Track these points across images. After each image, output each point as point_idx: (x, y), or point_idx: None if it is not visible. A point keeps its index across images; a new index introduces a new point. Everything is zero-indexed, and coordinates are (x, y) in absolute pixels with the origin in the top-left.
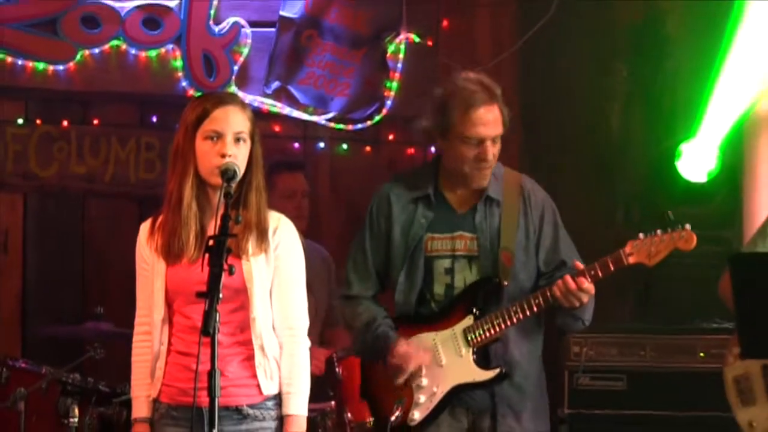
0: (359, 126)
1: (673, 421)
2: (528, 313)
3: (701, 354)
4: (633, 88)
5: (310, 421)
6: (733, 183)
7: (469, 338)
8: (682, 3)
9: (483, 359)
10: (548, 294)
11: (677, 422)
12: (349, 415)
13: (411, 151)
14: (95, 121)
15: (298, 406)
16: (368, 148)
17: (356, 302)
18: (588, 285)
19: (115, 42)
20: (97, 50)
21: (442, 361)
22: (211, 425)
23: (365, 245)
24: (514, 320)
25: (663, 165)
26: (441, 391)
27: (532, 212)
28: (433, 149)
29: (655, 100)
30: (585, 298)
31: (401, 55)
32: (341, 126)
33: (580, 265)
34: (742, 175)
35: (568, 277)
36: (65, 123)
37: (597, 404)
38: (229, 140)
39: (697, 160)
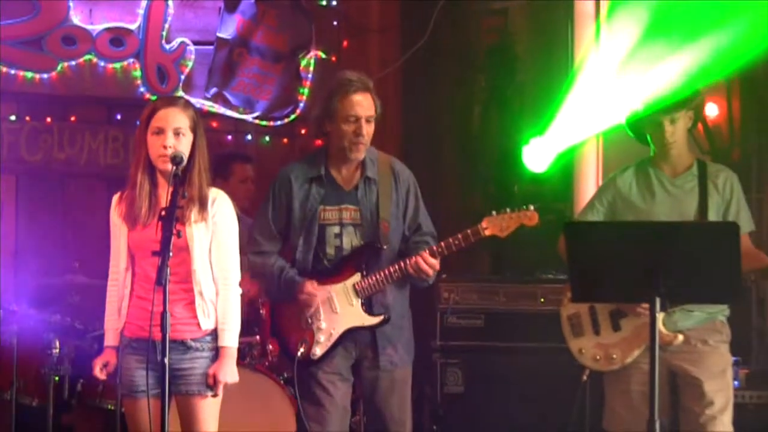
0: (279, 123)
1: (520, 350)
2: (401, 273)
3: (542, 299)
4: (490, 95)
5: (240, 351)
6: (566, 168)
7: (358, 290)
8: (527, 30)
9: (368, 306)
10: (410, 264)
11: (523, 351)
12: (270, 346)
13: (319, 142)
14: (72, 118)
15: (231, 339)
16: (285, 140)
17: (267, 255)
18: (433, 261)
19: (88, 56)
20: (74, 62)
21: (337, 309)
22: (163, 354)
23: (269, 214)
24: (393, 278)
25: (512, 155)
26: (337, 332)
27: (400, 188)
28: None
29: (506, 105)
30: (431, 272)
31: (311, 68)
32: (264, 123)
33: (427, 255)
34: (573, 162)
35: (419, 259)
36: (49, 119)
37: (461, 337)
38: (170, 134)
39: (538, 155)
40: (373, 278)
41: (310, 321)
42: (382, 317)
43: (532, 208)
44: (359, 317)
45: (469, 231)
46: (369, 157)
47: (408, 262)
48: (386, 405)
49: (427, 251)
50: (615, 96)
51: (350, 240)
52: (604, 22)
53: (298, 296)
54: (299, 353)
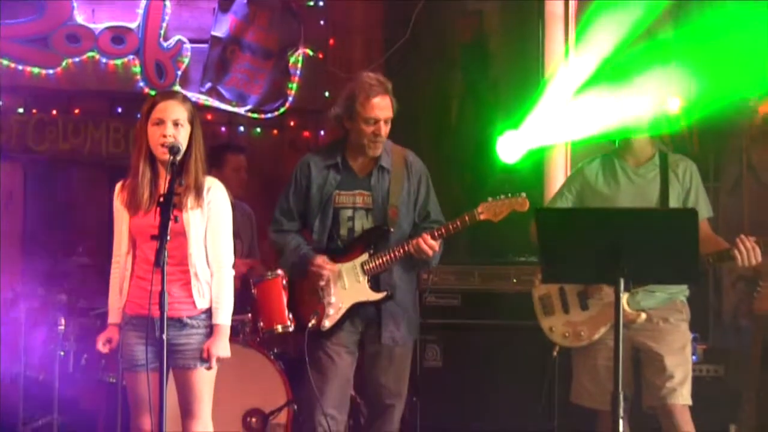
0: (269, 115)
1: (494, 327)
2: (402, 253)
3: (514, 279)
4: (465, 90)
5: (233, 328)
6: (537, 159)
7: (365, 269)
8: (501, 29)
9: (375, 284)
10: (411, 245)
11: (497, 328)
12: (261, 323)
13: (306, 134)
14: (76, 111)
15: (224, 317)
16: (275, 132)
17: (286, 234)
18: (432, 242)
19: (91, 53)
20: (77, 59)
21: (346, 285)
22: (162, 330)
23: (290, 197)
24: (396, 258)
25: (487, 146)
26: (345, 306)
27: (412, 178)
28: (322, 132)
29: (481, 99)
30: (431, 252)
31: (300, 65)
32: (256, 115)
33: (428, 236)
34: (543, 153)
35: (420, 240)
36: (54, 112)
37: (439, 316)
38: (169, 125)
39: (510, 148)
40: (380, 258)
41: (321, 295)
42: (385, 293)
43: (524, 195)
44: (365, 293)
45: (465, 215)
46: (384, 148)
47: (410, 243)
48: (383, 378)
49: (428, 234)
50: (583, 106)
51: (361, 223)
52: (572, 21)
53: (309, 268)
54: (310, 324)
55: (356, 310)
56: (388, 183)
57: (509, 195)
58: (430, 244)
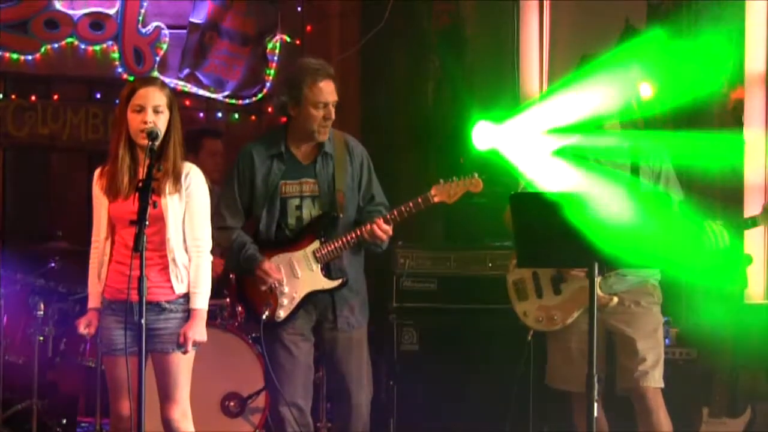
0: (247, 101)
1: (470, 311)
2: (357, 240)
3: (490, 264)
4: (442, 74)
5: (210, 312)
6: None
7: (318, 256)
8: (476, 14)
9: (327, 271)
10: (365, 231)
11: (473, 312)
12: (239, 308)
13: (284, 119)
14: (55, 97)
15: (201, 302)
16: (253, 117)
17: (230, 231)
18: (386, 227)
19: (69, 39)
20: (56, 45)
21: (298, 274)
22: (140, 315)
23: (234, 189)
24: (350, 244)
25: (462, 129)
26: (299, 296)
27: (354, 162)
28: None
29: (456, 83)
30: (385, 237)
31: (277, 51)
32: (234, 101)
33: (381, 222)
34: None
35: (374, 225)
36: (33, 98)
37: (416, 300)
38: (150, 111)
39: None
40: (332, 245)
41: (273, 286)
42: (340, 281)
43: (476, 175)
44: (319, 281)
45: (419, 198)
46: None
47: (363, 228)
48: (345, 364)
49: (381, 219)
50: (557, 99)
51: (309, 211)
52: (546, 7)
53: (255, 272)
54: (264, 316)
55: (310, 298)
56: (333, 168)
57: (465, 176)
58: (384, 229)
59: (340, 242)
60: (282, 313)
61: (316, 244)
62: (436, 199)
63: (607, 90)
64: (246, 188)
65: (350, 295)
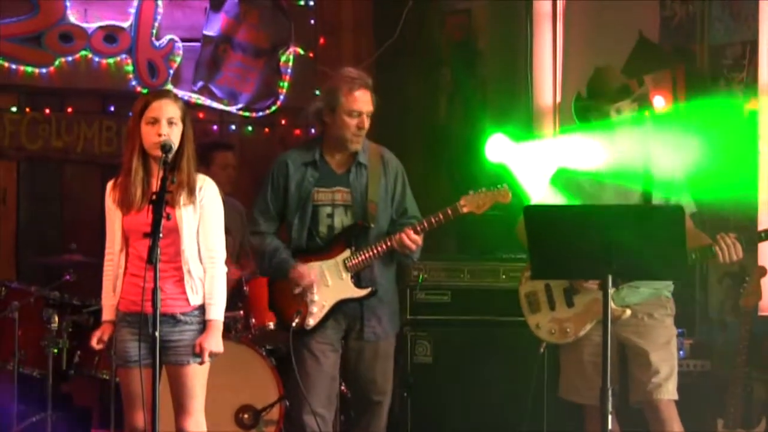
0: (260, 114)
1: (483, 323)
2: (385, 248)
3: (503, 276)
4: (454, 88)
5: (225, 324)
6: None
7: (348, 265)
8: (489, 27)
9: (357, 281)
10: (394, 240)
11: (487, 324)
12: (253, 320)
13: (297, 132)
14: (69, 110)
15: (217, 313)
16: (267, 130)
17: (264, 236)
18: (416, 237)
19: (83, 52)
20: (70, 58)
21: (329, 283)
22: (154, 327)
23: (268, 196)
24: (380, 254)
25: (475, 142)
26: (328, 304)
27: (389, 174)
28: (313, 130)
29: (469, 96)
30: (414, 247)
31: (290, 63)
32: (247, 113)
33: (411, 231)
34: None
35: (403, 235)
36: (47, 111)
37: (429, 312)
38: (164, 124)
39: (498, 149)
40: (362, 254)
41: (304, 293)
42: (369, 289)
43: (505, 185)
44: (349, 290)
45: (448, 209)
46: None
47: (393, 238)
48: (370, 374)
49: (410, 228)
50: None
51: (341, 220)
52: (560, 20)
53: (288, 274)
54: (294, 323)
55: (339, 307)
56: (366, 179)
57: (491, 187)
58: (413, 239)
59: (370, 252)
60: (312, 321)
61: (347, 253)
62: (465, 210)
63: (623, 148)
64: (279, 195)
65: (379, 305)
